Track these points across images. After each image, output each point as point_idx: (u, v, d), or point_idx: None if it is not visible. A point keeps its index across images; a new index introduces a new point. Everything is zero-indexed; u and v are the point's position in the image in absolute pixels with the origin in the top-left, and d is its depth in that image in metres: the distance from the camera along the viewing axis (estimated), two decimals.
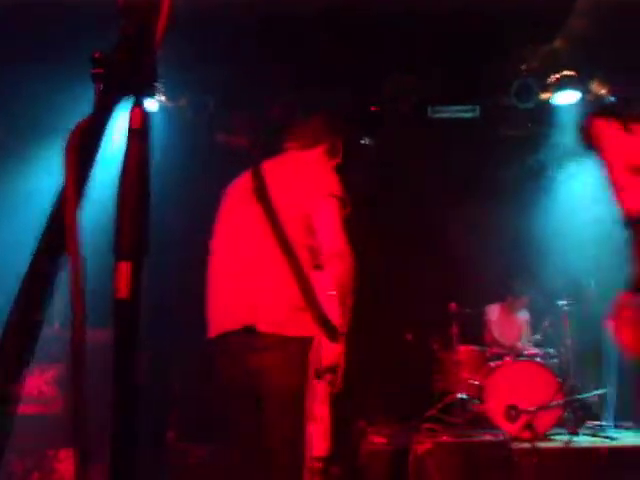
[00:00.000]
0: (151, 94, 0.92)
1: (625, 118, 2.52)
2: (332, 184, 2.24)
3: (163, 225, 5.09)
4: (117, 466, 0.74)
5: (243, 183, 2.37)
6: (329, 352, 2.14)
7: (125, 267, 0.82)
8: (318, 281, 2.13)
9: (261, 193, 2.21)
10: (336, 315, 2.12)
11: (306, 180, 2.26)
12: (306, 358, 2.12)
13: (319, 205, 2.17)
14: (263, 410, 2.17)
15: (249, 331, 2.11)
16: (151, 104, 4.86)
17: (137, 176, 0.81)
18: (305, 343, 2.12)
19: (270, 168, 2.34)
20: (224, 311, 2.23)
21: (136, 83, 0.89)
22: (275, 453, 2.14)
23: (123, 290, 0.82)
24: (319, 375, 2.15)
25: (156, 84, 0.94)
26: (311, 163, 2.38)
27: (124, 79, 0.89)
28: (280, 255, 2.12)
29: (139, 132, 0.85)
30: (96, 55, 0.90)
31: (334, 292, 2.11)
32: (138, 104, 0.88)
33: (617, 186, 2.38)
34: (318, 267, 2.16)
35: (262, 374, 2.13)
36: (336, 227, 2.16)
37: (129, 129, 0.87)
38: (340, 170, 2.44)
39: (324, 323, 2.08)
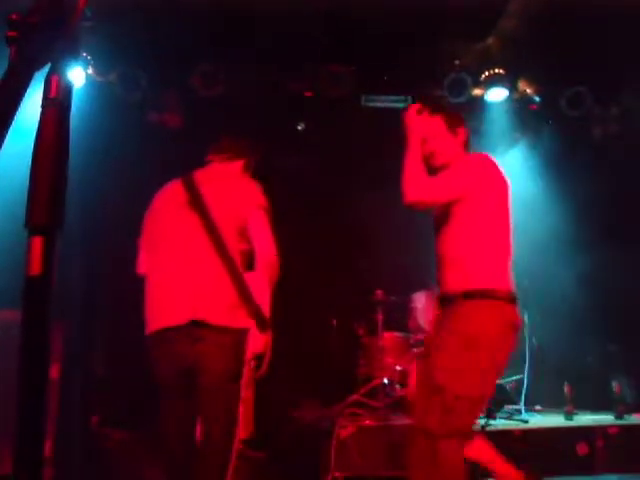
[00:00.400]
0: (72, 62, 0.88)
1: (454, 120, 2.62)
2: (259, 197, 2.55)
3: (91, 206, 4.92)
4: (23, 448, 0.70)
5: (175, 191, 2.58)
6: (258, 341, 2.39)
7: (38, 242, 0.78)
8: (250, 280, 2.41)
9: (196, 203, 2.47)
10: (267, 309, 2.41)
11: (235, 192, 2.54)
12: (242, 347, 2.37)
13: (251, 217, 2.47)
14: (201, 397, 2.39)
15: (193, 324, 2.34)
16: (77, 76, 4.64)
17: (52, 148, 0.77)
18: (241, 334, 2.37)
19: (201, 179, 2.58)
20: (167, 308, 2.41)
21: (55, 49, 0.85)
22: (211, 437, 2.34)
23: (35, 266, 0.78)
24: (248, 361, 2.38)
25: (78, 52, 0.89)
26: (234, 175, 2.67)
27: (42, 45, 0.84)
28: (218, 259, 2.39)
29: (56, 101, 0.81)
30: (12, 16, 0.84)
31: (266, 289, 2.42)
32: (56, 72, 0.83)
33: (410, 174, 2.43)
34: (249, 267, 2.45)
35: (202, 362, 2.35)
36: (269, 236, 2.48)
37: (45, 98, 0.82)
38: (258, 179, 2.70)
39: (257, 316, 2.36)
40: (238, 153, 2.71)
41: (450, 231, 2.48)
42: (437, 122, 2.56)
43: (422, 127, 2.51)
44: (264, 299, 2.40)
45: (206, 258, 2.40)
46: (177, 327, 2.36)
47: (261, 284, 2.40)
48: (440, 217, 2.54)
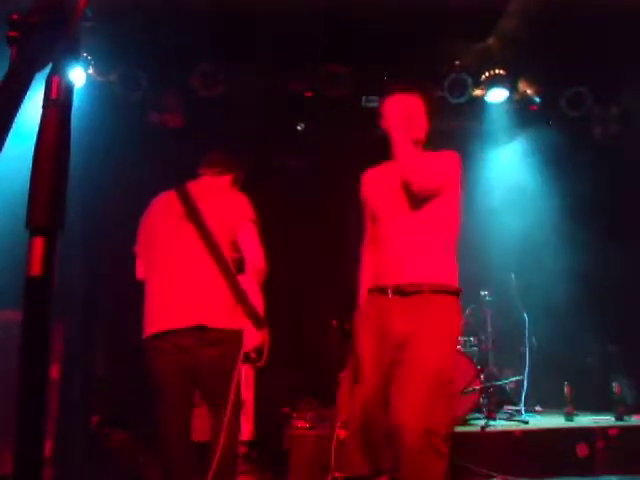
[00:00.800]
0: (73, 63, 0.88)
1: (430, 108, 2.60)
2: (248, 210, 2.72)
3: (92, 206, 4.92)
4: (23, 448, 0.71)
5: (171, 203, 2.72)
6: (256, 337, 2.56)
7: (39, 242, 0.78)
8: (243, 283, 2.59)
9: (193, 215, 2.64)
10: (261, 309, 2.60)
11: (227, 205, 2.71)
12: (241, 346, 2.53)
13: (241, 229, 2.66)
14: (208, 397, 2.57)
15: (198, 328, 2.48)
16: (78, 76, 4.64)
17: (53, 148, 0.77)
18: (240, 334, 2.53)
19: (195, 191, 2.75)
20: (170, 312, 2.53)
21: (56, 50, 0.85)
22: (216, 437, 2.45)
23: (36, 267, 0.78)
24: (247, 357, 2.53)
25: (78, 52, 0.89)
26: (224, 188, 2.84)
27: (43, 45, 0.84)
28: (216, 266, 2.56)
29: (57, 102, 0.81)
30: (13, 17, 0.84)
31: (258, 291, 2.62)
32: (57, 72, 0.83)
33: (414, 160, 2.38)
34: (240, 272, 2.64)
35: (207, 363, 2.49)
36: (258, 247, 2.66)
37: (46, 98, 0.82)
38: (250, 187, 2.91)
39: (253, 316, 2.54)
40: (227, 167, 2.88)
41: (420, 220, 2.43)
42: (417, 100, 2.54)
43: (405, 104, 2.48)
44: (258, 300, 2.60)
45: (205, 266, 2.56)
46: (181, 330, 2.49)
47: (253, 286, 2.61)
48: (408, 204, 2.45)
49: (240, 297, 2.54)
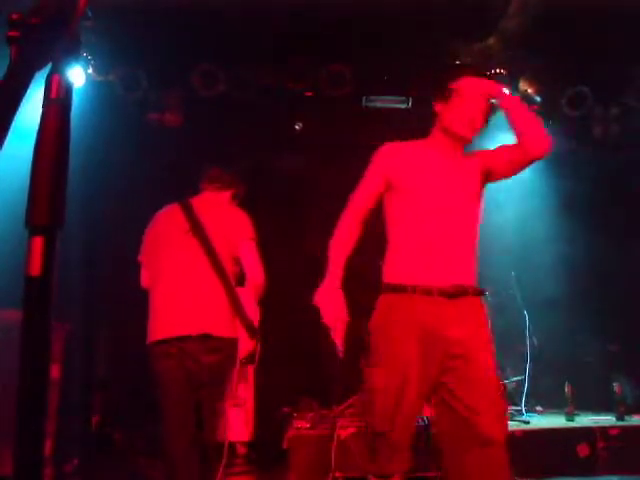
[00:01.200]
0: (73, 62, 0.88)
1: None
2: (249, 228, 2.88)
3: (91, 206, 4.92)
4: (23, 448, 0.70)
5: (176, 217, 2.86)
6: (249, 345, 2.75)
7: (38, 242, 0.78)
8: (242, 294, 2.78)
9: (197, 230, 2.79)
10: (256, 320, 2.80)
11: (229, 222, 2.87)
12: (237, 353, 2.71)
13: (242, 247, 2.83)
14: (202, 398, 2.69)
15: (204, 336, 2.65)
16: (77, 76, 4.64)
17: (53, 148, 0.77)
18: (235, 342, 2.73)
19: (198, 207, 2.89)
20: (177, 320, 2.68)
21: (56, 49, 0.85)
22: (211, 437, 2.63)
23: (35, 267, 0.78)
24: (241, 362, 2.73)
25: (78, 52, 0.89)
26: (224, 204, 2.99)
27: (43, 45, 0.84)
28: (218, 279, 2.73)
29: (57, 102, 0.81)
30: (13, 16, 0.84)
31: (255, 303, 2.82)
32: (57, 72, 0.83)
33: (534, 120, 2.32)
34: (239, 285, 2.83)
35: (210, 370, 2.65)
36: (258, 264, 2.83)
37: (46, 98, 0.82)
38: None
39: (248, 326, 2.73)
40: (227, 184, 3.03)
41: (475, 217, 2.31)
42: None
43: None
44: (254, 311, 2.80)
45: (209, 279, 2.74)
46: (187, 337, 2.64)
47: (250, 299, 2.80)
48: (468, 198, 2.31)
49: (238, 308, 2.73)
